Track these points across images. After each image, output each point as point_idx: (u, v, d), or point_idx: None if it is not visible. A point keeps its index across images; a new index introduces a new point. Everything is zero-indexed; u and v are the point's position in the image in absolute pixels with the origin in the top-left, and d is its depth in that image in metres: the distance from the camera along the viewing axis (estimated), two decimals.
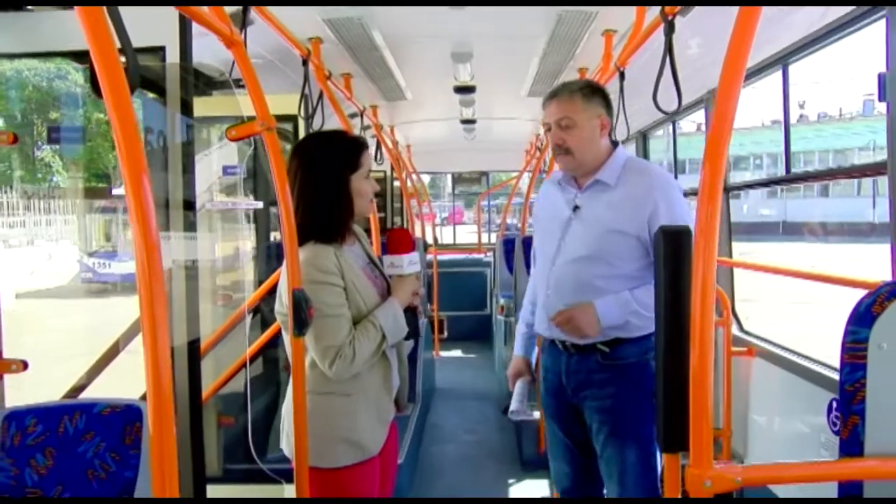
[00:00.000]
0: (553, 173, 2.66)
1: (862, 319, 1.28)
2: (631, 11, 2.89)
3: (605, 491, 2.42)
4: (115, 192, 20.60)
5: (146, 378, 1.08)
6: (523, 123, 6.64)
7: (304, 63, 3.18)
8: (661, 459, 2.27)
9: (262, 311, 3.41)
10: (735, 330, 3.70)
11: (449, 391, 6.44)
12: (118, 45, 1.15)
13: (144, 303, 1.07)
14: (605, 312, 2.24)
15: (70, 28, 2.15)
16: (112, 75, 1.09)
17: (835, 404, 2.53)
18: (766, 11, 2.90)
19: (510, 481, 4.26)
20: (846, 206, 28.73)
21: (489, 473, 4.40)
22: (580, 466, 2.50)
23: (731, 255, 3.84)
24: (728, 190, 3.82)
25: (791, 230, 29.12)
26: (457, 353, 8.16)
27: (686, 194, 2.51)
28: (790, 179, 3.59)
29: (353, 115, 5.05)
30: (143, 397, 2.02)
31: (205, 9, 1.84)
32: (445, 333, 8.31)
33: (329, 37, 3.42)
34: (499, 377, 6.67)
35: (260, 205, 3.79)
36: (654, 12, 2.45)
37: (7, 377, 2.09)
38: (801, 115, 33.81)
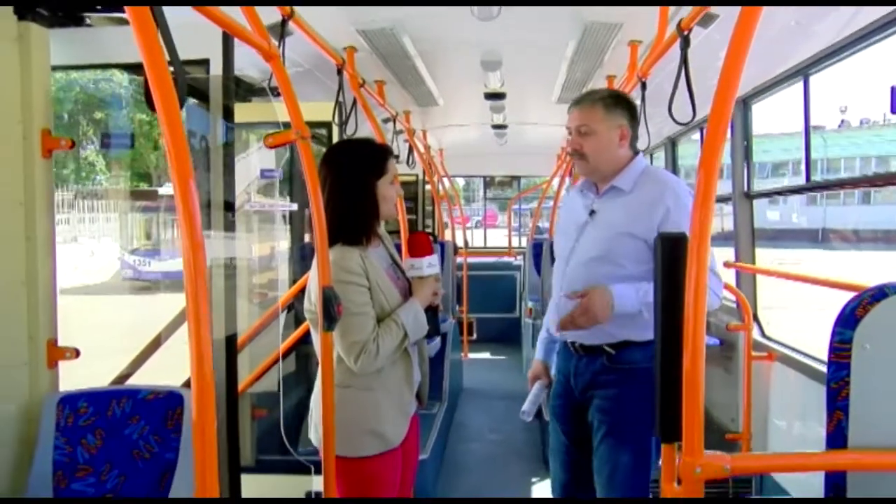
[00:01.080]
0: (579, 181, 2.76)
1: (847, 322, 1.37)
2: (654, 23, 2.97)
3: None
4: (161, 191, 21.07)
5: (191, 368, 1.22)
6: (554, 129, 6.70)
7: (339, 72, 3.33)
8: (655, 464, 2.31)
9: (296, 309, 3.56)
10: (757, 335, 3.75)
11: (476, 391, 6.54)
12: (168, 58, 1.28)
13: (190, 297, 1.21)
14: (621, 296, 2.25)
15: (124, 41, 2.33)
16: (163, 89, 1.23)
17: None
18: (787, 23, 2.97)
19: (533, 479, 4.36)
20: (886, 212, 28.21)
21: (513, 471, 4.50)
22: (576, 467, 2.55)
23: (753, 262, 3.89)
24: (752, 197, 3.87)
25: (829, 237, 28.63)
26: (485, 354, 8.25)
27: None
28: (810, 188, 3.64)
29: (386, 121, 5.21)
30: (185, 385, 2.19)
31: (246, 24, 1.99)
32: (475, 335, 8.41)
33: (363, 46, 3.56)
34: (526, 379, 6.75)
35: (294, 207, 3.95)
36: (674, 25, 2.55)
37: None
38: (842, 121, 33.16)
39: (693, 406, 1.32)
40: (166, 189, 21.88)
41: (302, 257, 3.93)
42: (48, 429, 2.00)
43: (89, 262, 18.87)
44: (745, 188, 3.89)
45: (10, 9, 1.98)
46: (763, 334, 3.79)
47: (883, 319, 1.36)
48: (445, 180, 8.59)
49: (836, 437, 1.38)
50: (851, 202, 31.20)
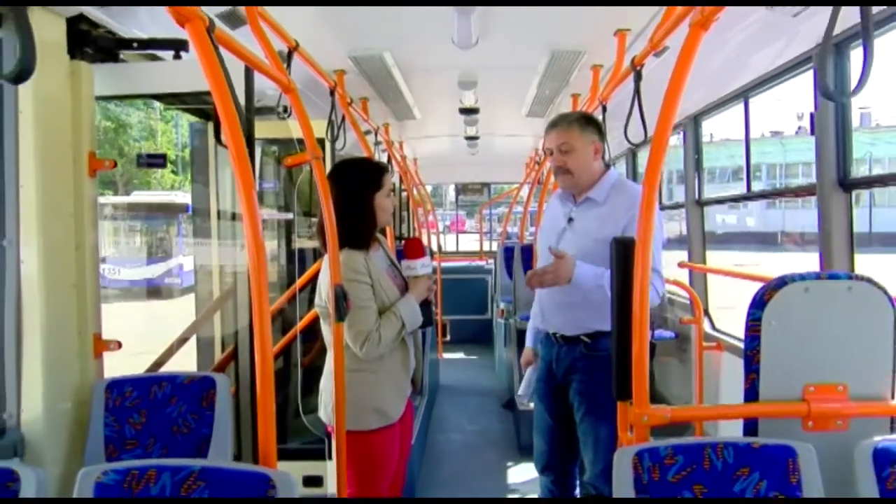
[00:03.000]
0: (558, 189, 3.12)
1: (758, 304, 1.78)
2: (613, 51, 3.38)
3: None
4: (129, 199, 20.97)
5: (257, 352, 1.57)
6: (523, 139, 7.12)
7: (332, 93, 3.68)
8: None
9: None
10: (708, 328, 4.19)
11: (452, 388, 6.90)
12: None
13: (255, 290, 1.57)
14: (582, 272, 2.60)
15: (150, 74, 2.68)
16: (233, 127, 1.58)
17: None
18: (729, 55, 3.40)
19: (509, 464, 4.74)
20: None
21: (490, 458, 4.88)
22: (558, 442, 2.94)
23: (704, 262, 4.33)
24: (702, 204, 4.32)
25: (784, 240, 29.56)
26: (459, 354, 8.61)
27: (663, 208, 2.98)
28: (750, 197, 4.10)
29: (367, 133, 5.56)
30: (215, 369, 2.52)
31: (266, 60, 2.35)
32: (448, 336, 8.76)
33: (352, 68, 3.93)
34: (499, 376, 7.14)
35: (291, 216, 4.28)
36: (633, 52, 2.96)
37: None
38: (798, 127, 34.30)
39: (640, 370, 1.72)
40: (135, 197, 21.92)
41: (301, 259, 4.26)
42: (98, 410, 2.33)
43: None
44: (697, 196, 4.34)
45: (64, 49, 2.30)
46: (714, 327, 4.23)
47: (783, 302, 1.77)
48: (420, 187, 8.94)
49: (751, 393, 1.80)
50: (808, 206, 32.27)
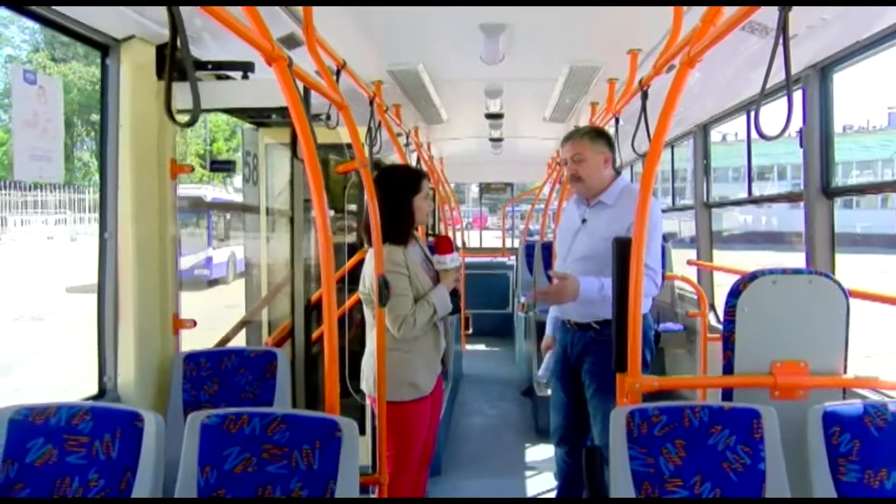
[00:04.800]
0: (575, 193, 3.48)
1: (734, 294, 2.16)
2: (626, 66, 3.74)
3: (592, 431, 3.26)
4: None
5: (325, 321, 1.98)
6: (544, 142, 7.46)
7: (371, 102, 4.08)
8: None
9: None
10: (713, 321, 4.53)
11: (474, 377, 7.30)
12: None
13: (324, 270, 1.97)
14: (586, 288, 2.97)
15: (217, 91, 3.08)
16: (308, 144, 1.99)
17: None
18: (734, 70, 3.74)
19: (526, 445, 5.12)
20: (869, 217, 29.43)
21: (509, 439, 5.26)
22: (572, 417, 3.33)
23: (711, 260, 4.68)
24: (710, 207, 4.66)
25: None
26: (481, 346, 9.00)
27: (664, 210, 3.33)
28: (752, 200, 4.44)
29: (398, 135, 5.96)
30: (275, 344, 2.93)
31: (321, 81, 2.75)
32: (470, 330, 9.15)
33: (388, 80, 4.32)
34: (519, 367, 7.51)
35: (331, 213, 4.69)
36: (644, 68, 3.32)
37: None
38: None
39: (634, 348, 2.10)
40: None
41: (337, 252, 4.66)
42: (178, 378, 2.75)
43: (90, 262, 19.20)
44: (705, 199, 4.68)
45: (153, 72, 2.72)
46: (718, 320, 4.57)
47: (755, 292, 2.15)
48: (445, 185, 9.31)
49: (727, 367, 2.18)
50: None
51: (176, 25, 1.54)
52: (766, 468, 1.96)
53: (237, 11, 2.00)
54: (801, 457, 2.02)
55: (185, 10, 1.83)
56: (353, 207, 4.42)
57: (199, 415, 1.92)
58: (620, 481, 1.96)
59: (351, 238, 4.35)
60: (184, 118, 1.61)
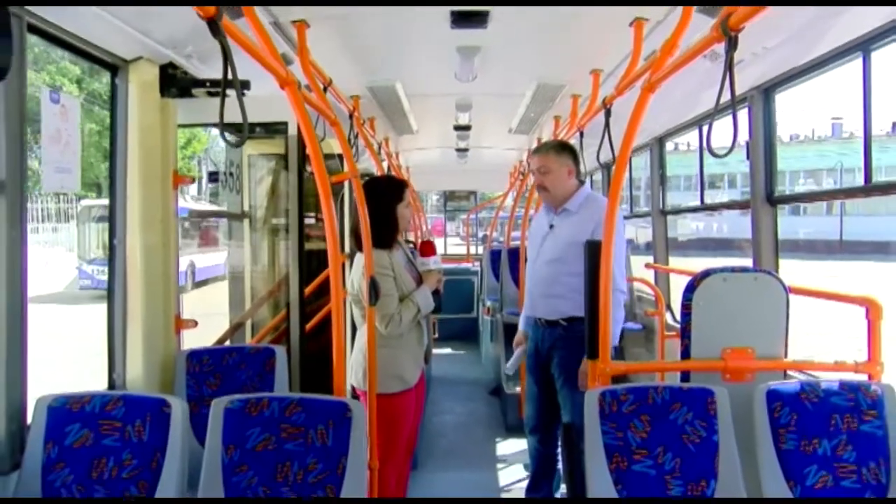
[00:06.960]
0: (543, 202, 3.77)
1: (690, 289, 2.47)
2: (589, 85, 4.05)
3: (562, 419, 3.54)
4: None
5: (333, 313, 2.21)
6: (509, 151, 7.77)
7: (350, 116, 4.31)
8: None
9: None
10: (670, 320, 4.88)
11: (444, 378, 7.54)
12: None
13: (332, 270, 2.21)
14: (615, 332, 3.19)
15: (213, 106, 3.27)
16: (317, 160, 2.23)
17: None
18: (686, 89, 4.07)
19: (497, 440, 5.39)
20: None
21: (480, 434, 5.53)
22: (543, 407, 3.61)
23: (667, 263, 5.03)
24: (665, 214, 5.02)
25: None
26: (447, 350, 9.24)
27: (626, 217, 3.64)
28: (704, 208, 4.81)
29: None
30: (274, 342, 3.14)
31: (313, 96, 2.98)
32: (436, 334, 9.37)
33: (366, 95, 4.57)
34: (486, 368, 7.79)
35: (312, 220, 4.90)
36: (606, 86, 3.63)
37: None
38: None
39: (604, 338, 2.39)
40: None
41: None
42: (182, 374, 2.95)
43: (43, 272, 18.84)
44: (661, 206, 5.03)
45: (157, 89, 2.93)
46: (675, 319, 4.92)
47: (708, 288, 2.46)
48: (413, 194, 9.54)
49: (685, 353, 2.49)
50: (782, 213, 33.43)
51: (226, 52, 1.76)
52: (720, 440, 2.27)
53: (251, 34, 2.24)
54: (749, 429, 2.33)
55: (198, 32, 2.05)
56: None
57: (222, 400, 2.15)
58: (594, 453, 2.24)
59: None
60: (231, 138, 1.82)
